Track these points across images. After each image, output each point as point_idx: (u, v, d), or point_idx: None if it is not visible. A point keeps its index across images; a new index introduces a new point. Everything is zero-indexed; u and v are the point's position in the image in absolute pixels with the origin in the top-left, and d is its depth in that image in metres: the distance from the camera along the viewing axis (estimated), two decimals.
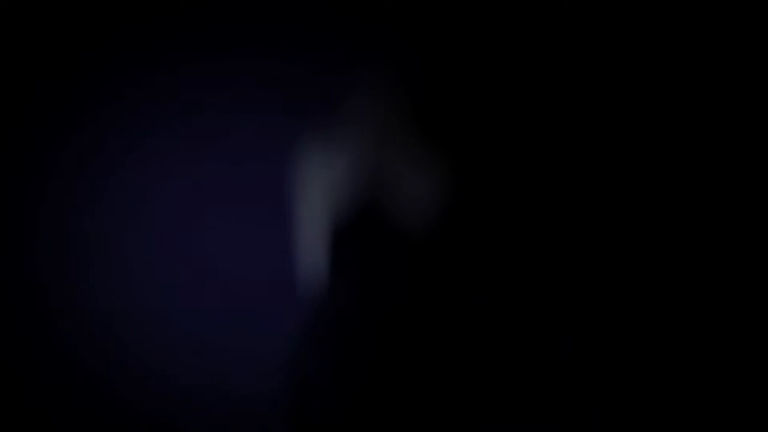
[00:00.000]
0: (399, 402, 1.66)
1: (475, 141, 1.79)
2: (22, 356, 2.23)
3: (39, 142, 2.22)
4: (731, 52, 1.95)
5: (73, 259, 2.23)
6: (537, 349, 1.77)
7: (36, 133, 2.22)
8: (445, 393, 1.67)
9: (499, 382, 1.71)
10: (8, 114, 2.21)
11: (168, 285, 2.22)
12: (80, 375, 2.23)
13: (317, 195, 1.80)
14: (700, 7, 1.94)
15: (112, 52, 2.20)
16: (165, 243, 2.23)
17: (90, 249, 2.24)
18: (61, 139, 2.22)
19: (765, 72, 1.94)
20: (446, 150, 1.73)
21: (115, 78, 2.21)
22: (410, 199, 1.71)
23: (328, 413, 1.67)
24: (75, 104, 2.22)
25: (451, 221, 1.71)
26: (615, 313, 1.88)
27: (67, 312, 2.23)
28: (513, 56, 1.84)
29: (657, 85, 1.96)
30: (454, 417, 1.66)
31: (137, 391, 2.22)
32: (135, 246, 2.23)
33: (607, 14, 1.90)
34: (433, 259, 1.70)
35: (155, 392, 2.21)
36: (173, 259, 2.22)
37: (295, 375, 1.74)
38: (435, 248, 1.70)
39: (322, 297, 1.75)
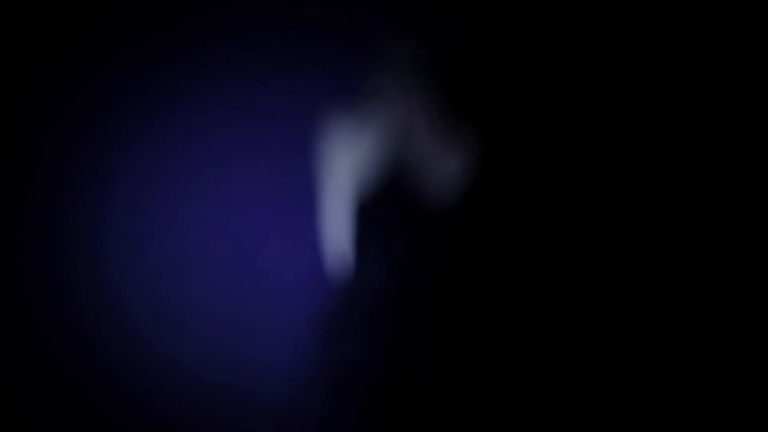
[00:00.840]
0: (433, 387, 1.64)
1: (508, 119, 1.75)
2: (13, 361, 2.22)
3: (34, 133, 2.21)
4: (731, 52, 1.95)
5: (72, 256, 2.23)
6: (537, 347, 1.75)
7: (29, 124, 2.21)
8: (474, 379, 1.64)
9: (505, 379, 1.69)
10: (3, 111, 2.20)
11: (185, 270, 2.20)
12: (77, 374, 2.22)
13: (343, 174, 1.76)
14: (700, 7, 1.93)
15: (117, 25, 2.18)
16: (180, 225, 2.21)
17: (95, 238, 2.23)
18: (57, 121, 2.20)
19: (765, 72, 1.94)
20: (477, 128, 1.70)
21: (129, 47, 2.18)
22: (439, 178, 1.67)
23: (362, 402, 1.64)
24: (73, 80, 2.20)
25: (480, 201, 1.68)
26: (615, 312, 1.87)
27: (59, 311, 2.23)
28: (545, 31, 1.81)
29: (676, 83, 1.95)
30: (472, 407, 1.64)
31: (153, 387, 2.21)
32: (147, 225, 2.22)
33: None
34: (462, 240, 1.67)
35: (173, 389, 2.20)
36: (190, 242, 2.20)
37: (327, 362, 1.70)
38: (464, 229, 1.67)
39: (350, 280, 1.71)
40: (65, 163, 2.20)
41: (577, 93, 1.84)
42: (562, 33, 1.80)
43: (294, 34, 2.15)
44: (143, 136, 2.20)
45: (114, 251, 2.21)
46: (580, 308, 1.77)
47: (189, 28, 2.16)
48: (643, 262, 1.87)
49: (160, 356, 2.20)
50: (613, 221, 1.85)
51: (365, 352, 1.66)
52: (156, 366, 2.20)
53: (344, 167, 1.77)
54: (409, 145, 1.71)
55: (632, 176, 1.89)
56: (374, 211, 1.70)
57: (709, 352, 1.89)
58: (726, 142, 1.93)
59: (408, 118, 1.71)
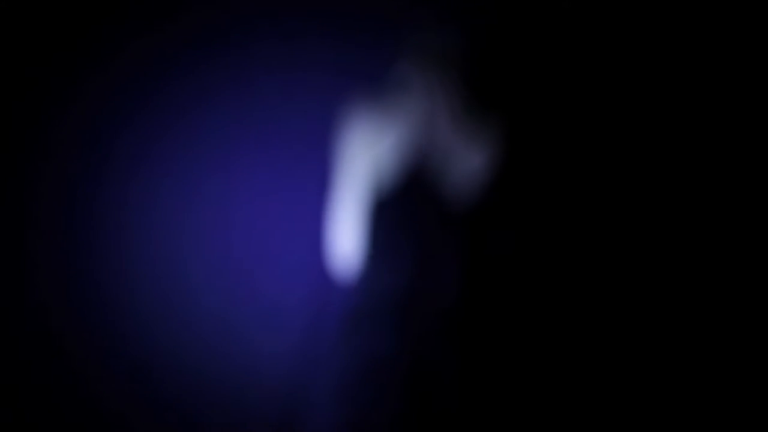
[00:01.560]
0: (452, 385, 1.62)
1: (530, 112, 1.73)
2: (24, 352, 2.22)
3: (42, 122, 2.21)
4: (731, 52, 1.95)
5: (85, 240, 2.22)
6: (538, 346, 1.75)
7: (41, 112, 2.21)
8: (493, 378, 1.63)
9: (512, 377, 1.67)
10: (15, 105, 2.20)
11: (193, 268, 2.19)
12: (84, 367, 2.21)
13: (363, 167, 1.73)
14: (700, 7, 1.94)
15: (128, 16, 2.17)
16: (191, 219, 2.19)
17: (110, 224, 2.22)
18: (67, 105, 2.19)
19: (765, 72, 1.94)
20: (501, 122, 1.67)
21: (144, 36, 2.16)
22: (462, 172, 1.65)
23: (391, 401, 1.62)
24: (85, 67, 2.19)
25: (503, 196, 1.65)
26: (614, 312, 1.87)
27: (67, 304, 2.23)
28: (568, 22, 1.79)
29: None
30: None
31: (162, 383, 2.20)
32: (161, 219, 2.20)
33: None
34: (485, 235, 1.65)
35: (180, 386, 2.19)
36: (201, 237, 2.19)
37: (350, 360, 1.68)
38: (486, 224, 1.65)
39: (370, 277, 1.69)
40: (66, 163, 2.20)
41: (592, 90, 1.83)
42: (568, 31, 1.79)
43: (313, 21, 2.13)
44: (152, 132, 2.19)
45: (114, 251, 2.21)
46: (601, 303, 1.76)
47: (201, 14, 2.15)
48: (668, 255, 1.86)
49: (161, 356, 2.20)
50: (633, 217, 1.84)
51: (390, 350, 1.64)
52: (157, 366, 2.20)
53: (364, 160, 1.75)
54: (430, 137, 1.68)
55: (655, 170, 1.88)
56: (395, 206, 1.68)
57: (709, 351, 1.90)
58: (726, 141, 1.94)
59: (431, 110, 1.70)
